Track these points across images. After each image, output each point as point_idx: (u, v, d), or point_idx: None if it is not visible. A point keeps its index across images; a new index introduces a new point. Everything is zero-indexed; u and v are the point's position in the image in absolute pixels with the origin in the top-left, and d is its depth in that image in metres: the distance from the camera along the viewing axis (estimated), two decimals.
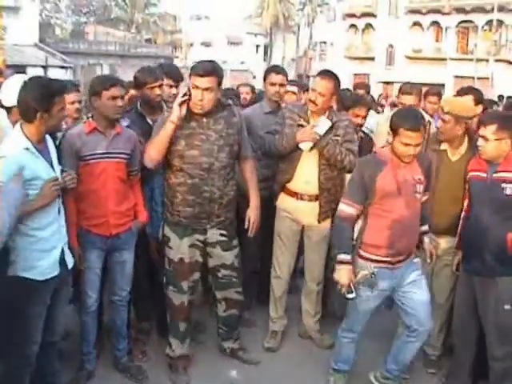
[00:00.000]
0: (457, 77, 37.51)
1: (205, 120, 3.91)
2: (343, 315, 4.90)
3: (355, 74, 41.93)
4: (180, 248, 4.01)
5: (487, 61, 35.70)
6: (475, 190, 3.76)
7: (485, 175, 3.69)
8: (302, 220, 4.53)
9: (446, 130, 4.02)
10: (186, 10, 55.27)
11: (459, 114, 3.94)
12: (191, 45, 52.49)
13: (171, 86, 4.68)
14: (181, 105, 3.79)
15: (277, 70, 5.02)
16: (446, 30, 40.78)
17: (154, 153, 3.87)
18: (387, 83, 38.54)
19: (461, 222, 3.95)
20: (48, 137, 3.31)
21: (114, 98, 3.74)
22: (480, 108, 4.78)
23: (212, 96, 3.81)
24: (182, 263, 4.02)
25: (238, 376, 4.27)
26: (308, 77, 41.76)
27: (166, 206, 4.07)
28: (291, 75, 48.83)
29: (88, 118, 3.89)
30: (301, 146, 4.30)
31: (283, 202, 4.55)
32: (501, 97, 14.93)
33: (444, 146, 4.11)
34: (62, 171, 3.39)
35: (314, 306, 4.72)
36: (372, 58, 43.86)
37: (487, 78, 33.60)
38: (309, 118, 4.39)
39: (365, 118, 5.01)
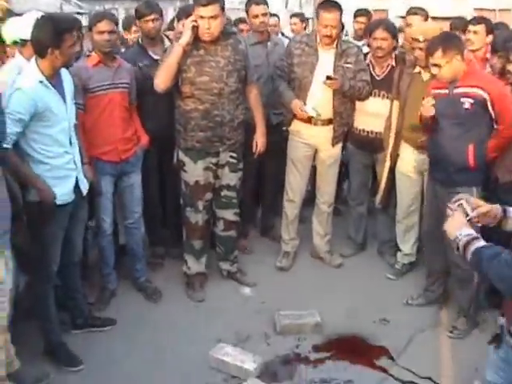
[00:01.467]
0: (477, 9, 36.54)
1: (213, 47, 4.04)
2: (360, 240, 5.16)
3: (374, 10, 41.06)
4: (195, 171, 4.21)
5: None
6: (438, 106, 3.84)
7: (446, 91, 3.80)
8: (316, 144, 4.66)
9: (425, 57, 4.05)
10: None
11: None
12: None
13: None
14: (191, 29, 3.90)
15: (256, 1, 4.95)
16: None
17: (163, 77, 4.00)
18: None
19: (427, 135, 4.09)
20: (66, 71, 3.45)
21: (102, 32, 3.93)
22: (490, 37, 4.85)
23: (218, 23, 3.93)
24: (198, 185, 4.23)
25: (252, 293, 4.50)
26: None
27: (180, 133, 4.22)
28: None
29: (90, 51, 4.09)
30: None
31: (296, 127, 4.66)
32: None
33: (417, 69, 4.31)
34: (76, 104, 3.59)
35: (325, 227, 4.91)
36: None
37: (509, 10, 32.73)
38: (317, 47, 4.48)
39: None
